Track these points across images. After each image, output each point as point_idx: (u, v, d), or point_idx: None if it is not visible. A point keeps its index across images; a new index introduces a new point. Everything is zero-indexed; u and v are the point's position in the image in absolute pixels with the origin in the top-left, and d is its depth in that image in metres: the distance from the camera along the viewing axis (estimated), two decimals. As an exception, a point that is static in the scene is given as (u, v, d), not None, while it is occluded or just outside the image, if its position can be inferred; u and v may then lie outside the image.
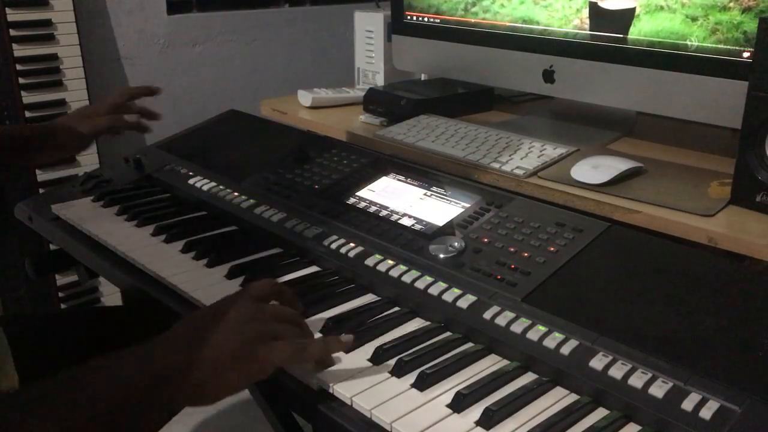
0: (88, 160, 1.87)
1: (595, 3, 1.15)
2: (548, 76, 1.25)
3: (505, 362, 0.70)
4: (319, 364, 0.69)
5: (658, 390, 0.62)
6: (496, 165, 1.09)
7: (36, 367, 0.69)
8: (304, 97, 1.50)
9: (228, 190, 1.09)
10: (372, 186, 1.03)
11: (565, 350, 0.68)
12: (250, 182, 1.10)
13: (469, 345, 0.73)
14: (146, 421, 0.62)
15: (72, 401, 0.58)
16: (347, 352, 0.71)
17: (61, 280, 1.94)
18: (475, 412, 0.63)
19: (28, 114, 1.81)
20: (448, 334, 0.75)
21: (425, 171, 1.04)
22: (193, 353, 0.64)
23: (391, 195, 1.00)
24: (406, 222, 0.93)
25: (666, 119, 1.15)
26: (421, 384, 0.66)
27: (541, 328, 0.71)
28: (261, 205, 1.03)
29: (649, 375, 0.63)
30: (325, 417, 0.65)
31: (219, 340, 0.65)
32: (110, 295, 2.02)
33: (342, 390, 0.66)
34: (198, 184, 1.13)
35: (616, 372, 0.64)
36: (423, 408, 0.64)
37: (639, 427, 0.61)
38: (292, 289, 0.78)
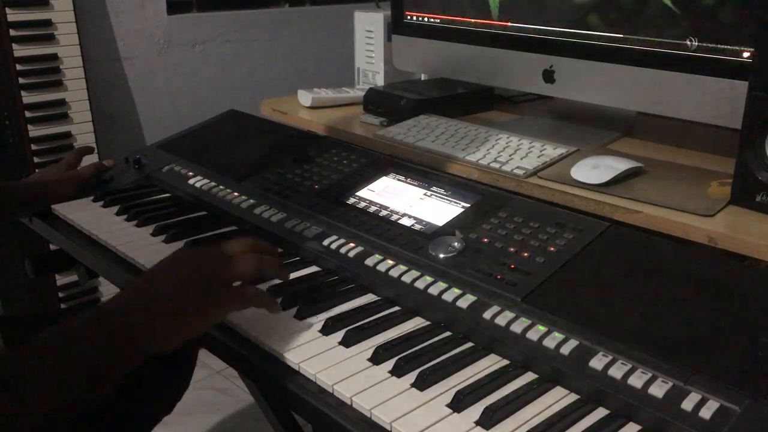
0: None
1: None
2: (548, 76, 1.25)
3: (505, 362, 0.70)
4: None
5: (658, 390, 0.62)
6: (496, 165, 1.09)
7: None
8: (304, 97, 1.50)
9: (228, 190, 1.09)
10: (372, 186, 1.03)
11: (565, 350, 0.68)
12: (250, 182, 1.10)
13: (469, 345, 0.73)
14: (112, 371, 0.66)
15: (40, 363, 0.62)
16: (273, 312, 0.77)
17: (61, 280, 1.95)
18: (475, 411, 0.63)
19: (28, 114, 1.82)
20: (448, 333, 0.75)
21: (425, 171, 1.04)
22: (151, 303, 0.70)
23: (391, 195, 1.00)
24: (406, 222, 0.93)
25: (666, 119, 1.15)
26: (421, 384, 0.66)
27: (541, 328, 0.71)
28: (261, 205, 1.03)
29: (649, 375, 0.63)
30: (325, 417, 0.65)
31: (176, 289, 0.71)
32: (110, 295, 2.02)
33: (342, 390, 0.66)
34: (198, 184, 1.13)
35: (616, 372, 0.64)
36: (423, 408, 0.64)
37: (639, 427, 0.61)
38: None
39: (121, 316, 0.68)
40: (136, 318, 0.68)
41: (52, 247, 1.68)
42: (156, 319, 0.69)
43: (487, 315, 0.74)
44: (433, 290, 0.79)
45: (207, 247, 0.81)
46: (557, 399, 0.65)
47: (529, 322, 0.72)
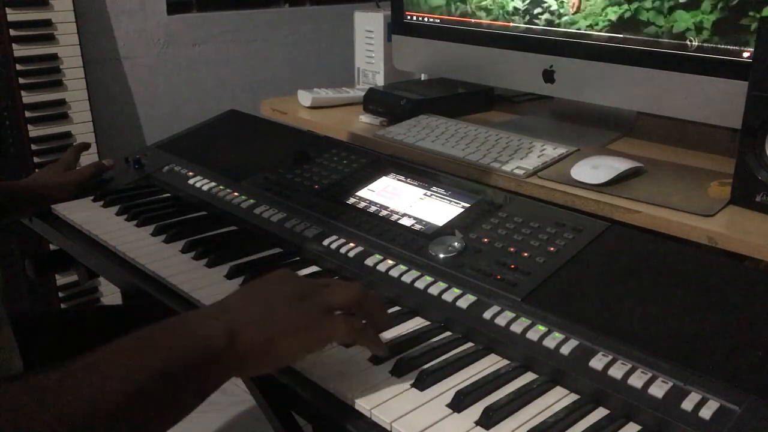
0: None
1: None
2: (548, 76, 1.25)
3: (505, 362, 0.70)
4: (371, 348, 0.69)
5: (658, 390, 0.62)
6: (496, 165, 1.09)
7: (35, 367, 0.69)
8: (304, 97, 1.50)
9: (228, 190, 1.09)
10: (372, 186, 1.03)
11: (565, 350, 0.68)
12: (250, 182, 1.10)
13: (469, 345, 0.73)
14: (190, 395, 0.59)
15: (113, 374, 0.54)
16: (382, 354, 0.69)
17: (61, 280, 1.95)
18: (475, 411, 0.63)
19: (28, 114, 1.81)
20: (448, 333, 0.75)
21: (425, 171, 1.04)
22: (242, 322, 0.61)
23: (391, 195, 1.00)
24: (406, 222, 0.93)
25: (666, 119, 1.15)
26: (421, 384, 0.66)
27: (541, 328, 0.71)
28: (261, 205, 1.03)
29: (649, 375, 0.63)
30: (325, 417, 0.65)
31: (275, 309, 0.63)
32: (110, 295, 2.02)
33: (342, 390, 0.66)
34: (198, 184, 1.13)
35: (616, 372, 0.64)
36: (423, 408, 0.64)
37: (639, 427, 0.61)
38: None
39: (204, 326, 0.60)
40: (219, 332, 0.60)
41: (52, 247, 1.68)
42: (242, 334, 0.60)
43: (487, 315, 0.74)
44: (433, 290, 0.79)
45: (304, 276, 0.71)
46: (557, 399, 0.65)
47: (529, 322, 0.72)
